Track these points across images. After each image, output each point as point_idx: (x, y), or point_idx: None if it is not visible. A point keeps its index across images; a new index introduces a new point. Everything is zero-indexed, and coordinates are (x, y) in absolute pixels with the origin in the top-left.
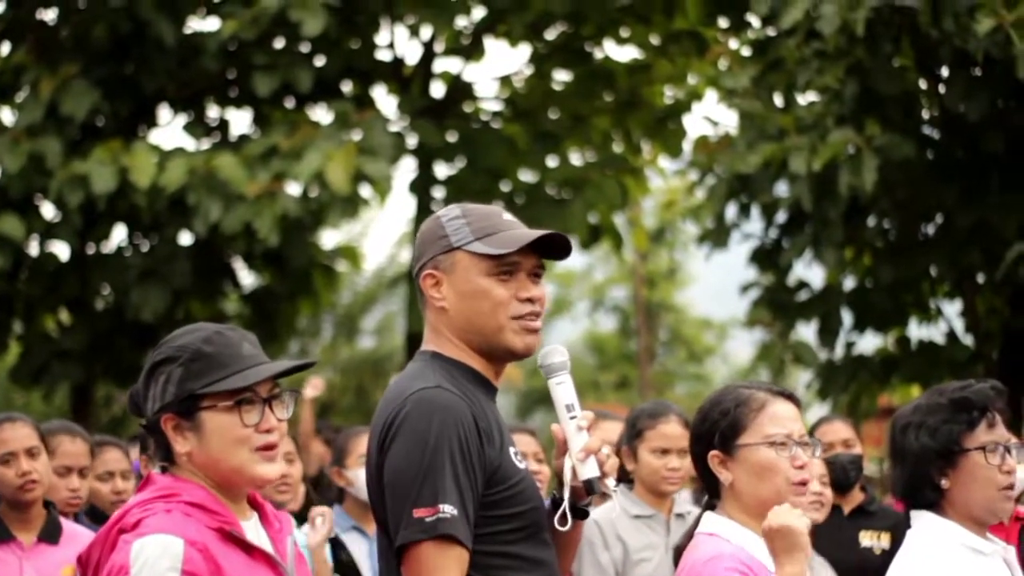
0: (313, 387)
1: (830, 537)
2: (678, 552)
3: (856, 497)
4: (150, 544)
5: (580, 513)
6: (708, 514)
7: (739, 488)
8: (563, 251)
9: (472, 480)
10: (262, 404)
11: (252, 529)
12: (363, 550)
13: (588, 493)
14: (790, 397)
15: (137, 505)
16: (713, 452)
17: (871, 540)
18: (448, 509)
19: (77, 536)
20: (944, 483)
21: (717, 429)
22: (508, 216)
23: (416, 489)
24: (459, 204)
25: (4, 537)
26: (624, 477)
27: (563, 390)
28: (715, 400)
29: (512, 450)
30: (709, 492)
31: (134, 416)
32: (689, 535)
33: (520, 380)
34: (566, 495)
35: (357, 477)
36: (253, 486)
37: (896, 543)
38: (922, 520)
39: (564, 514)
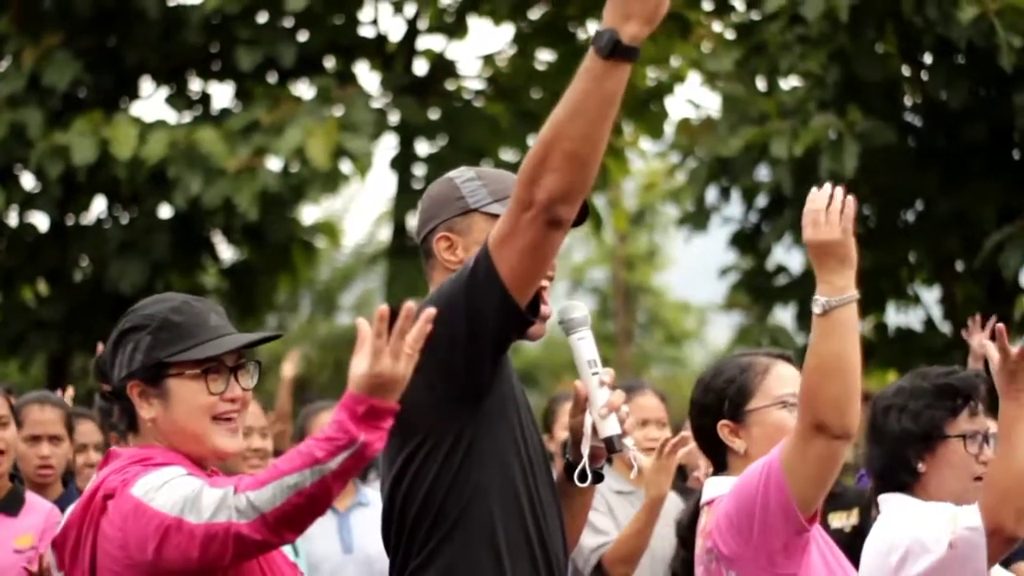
0: (291, 362)
1: None
2: (682, 525)
3: None
4: (151, 478)
5: (595, 476)
6: (712, 478)
7: (754, 454)
8: (580, 217)
9: None
10: (228, 373)
11: None
12: (331, 525)
13: (609, 451)
14: (789, 359)
15: (113, 472)
16: (723, 422)
17: (841, 521)
18: None
19: (39, 509)
20: (921, 467)
21: (725, 397)
22: None
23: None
24: (470, 167)
25: None
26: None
27: (585, 345)
28: (717, 370)
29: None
30: (714, 463)
31: (99, 383)
32: (695, 506)
33: None
34: (585, 452)
35: None
36: (214, 458)
37: (864, 516)
38: (892, 501)
39: (584, 470)
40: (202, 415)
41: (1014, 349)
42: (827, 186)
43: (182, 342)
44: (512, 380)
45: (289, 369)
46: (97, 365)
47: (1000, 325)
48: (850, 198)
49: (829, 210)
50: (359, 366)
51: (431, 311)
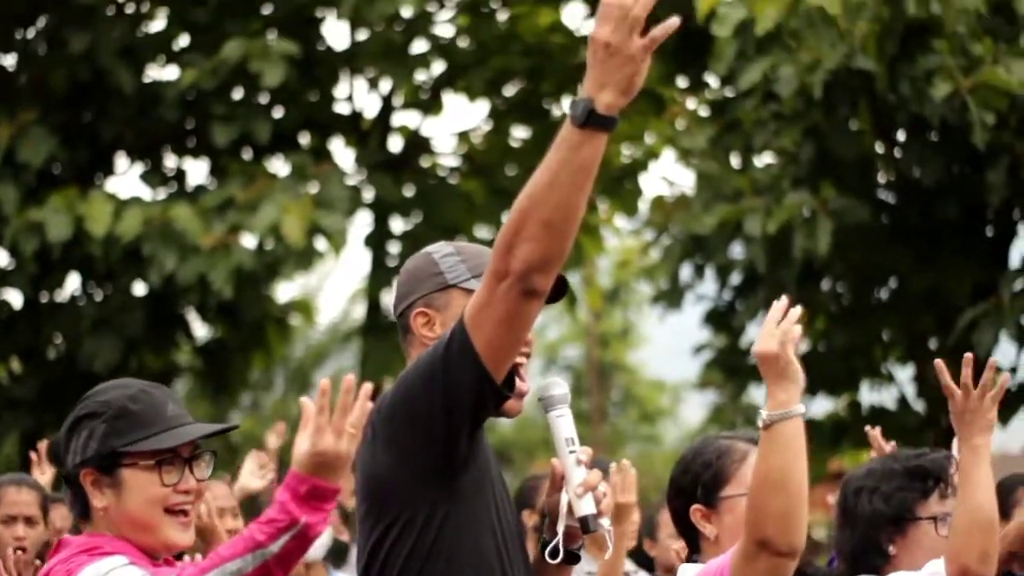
0: (276, 433)
1: None
2: None
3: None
4: (95, 567)
5: (571, 557)
6: (685, 566)
7: (724, 542)
8: (558, 293)
9: None
10: (183, 464)
11: None
12: None
13: (583, 531)
14: None
15: (60, 562)
16: (695, 506)
17: None
18: None
19: None
20: (891, 549)
21: (699, 481)
22: None
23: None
24: (448, 242)
25: None
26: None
27: (563, 423)
28: (696, 451)
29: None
30: (689, 546)
31: (55, 466)
32: None
33: None
34: (560, 530)
35: None
36: (165, 550)
37: None
38: None
39: (556, 547)
40: (155, 506)
41: (959, 392)
42: (784, 301)
43: (137, 431)
44: (488, 455)
45: (274, 440)
46: (52, 448)
47: (938, 361)
48: (795, 313)
49: (774, 322)
50: (301, 445)
51: (368, 387)
